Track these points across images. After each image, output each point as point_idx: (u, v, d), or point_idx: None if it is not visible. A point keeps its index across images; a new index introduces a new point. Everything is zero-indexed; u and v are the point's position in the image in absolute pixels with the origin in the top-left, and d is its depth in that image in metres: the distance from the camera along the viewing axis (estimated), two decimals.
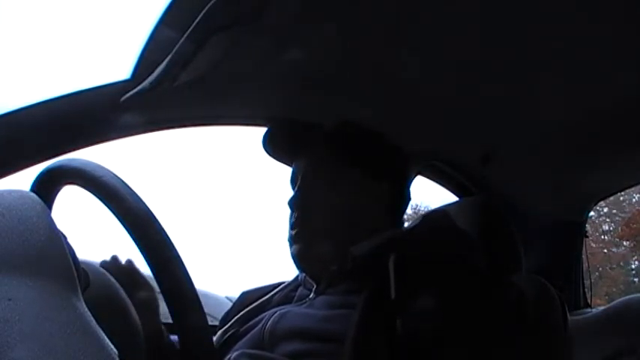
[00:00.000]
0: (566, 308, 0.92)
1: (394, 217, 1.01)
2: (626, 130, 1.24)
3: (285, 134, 1.05)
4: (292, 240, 0.96)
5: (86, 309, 0.47)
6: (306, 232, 0.94)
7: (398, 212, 1.03)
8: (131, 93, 0.90)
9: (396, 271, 0.81)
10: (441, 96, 1.09)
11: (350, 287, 0.87)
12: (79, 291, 0.49)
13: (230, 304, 1.06)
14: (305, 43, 0.91)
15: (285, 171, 1.06)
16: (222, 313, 1.04)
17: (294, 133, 1.05)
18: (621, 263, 10.69)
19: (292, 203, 0.97)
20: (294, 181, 1.01)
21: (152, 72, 0.87)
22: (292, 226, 0.96)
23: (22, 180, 0.83)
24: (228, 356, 0.83)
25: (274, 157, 1.06)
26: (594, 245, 9.98)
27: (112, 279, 0.81)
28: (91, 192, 0.62)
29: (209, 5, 0.75)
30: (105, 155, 0.92)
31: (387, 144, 1.03)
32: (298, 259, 0.95)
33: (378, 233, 0.93)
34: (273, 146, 1.05)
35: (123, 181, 0.62)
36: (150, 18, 0.84)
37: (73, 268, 0.50)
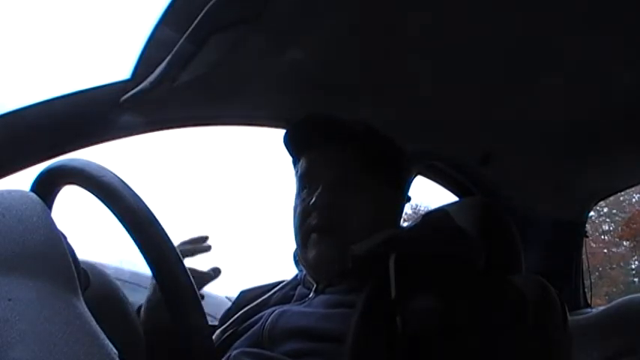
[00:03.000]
0: (566, 308, 0.92)
1: (394, 218, 1.02)
2: (626, 130, 1.24)
3: (308, 131, 1.00)
4: (314, 239, 0.92)
5: (86, 309, 0.47)
6: (331, 235, 0.92)
7: (397, 212, 1.03)
8: (131, 93, 0.90)
9: (396, 271, 0.81)
10: (441, 96, 1.09)
11: (350, 286, 0.87)
12: (79, 291, 0.49)
13: (230, 304, 1.06)
14: (305, 43, 0.91)
15: (283, 171, 1.04)
16: (222, 313, 1.04)
17: (316, 130, 0.99)
18: (621, 263, 10.68)
19: (316, 203, 0.92)
20: (306, 178, 0.97)
21: (152, 72, 0.87)
22: (315, 227, 0.92)
23: (22, 180, 0.83)
24: (227, 355, 0.83)
25: (295, 153, 1.01)
26: (594, 245, 9.97)
27: (112, 279, 0.81)
28: (91, 192, 0.62)
29: (209, 5, 0.75)
30: (105, 155, 0.93)
31: (400, 151, 1.02)
32: (317, 260, 0.92)
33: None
34: (297, 142, 1.00)
35: (123, 181, 0.62)
36: (150, 18, 0.84)
37: (73, 268, 0.50)
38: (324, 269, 0.92)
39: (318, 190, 0.93)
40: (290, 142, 1.01)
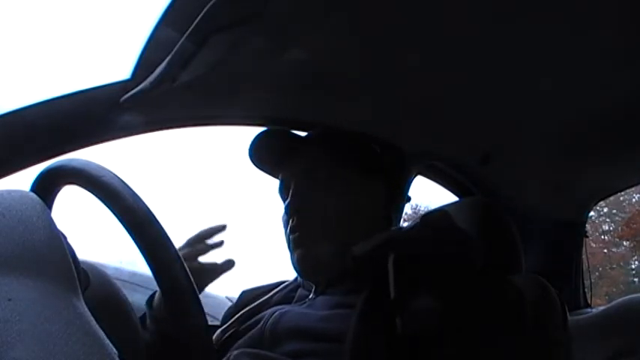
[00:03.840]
0: (566, 308, 0.92)
1: (391, 217, 1.02)
2: (625, 130, 1.24)
3: (272, 144, 1.04)
4: (293, 244, 0.95)
5: (86, 309, 0.47)
6: (307, 236, 0.94)
7: (395, 211, 1.03)
8: (131, 93, 0.90)
9: (395, 271, 0.81)
10: (441, 96, 1.09)
11: (350, 287, 0.88)
12: (79, 291, 0.49)
13: (230, 304, 1.06)
14: (305, 43, 0.90)
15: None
16: (222, 313, 1.04)
17: (280, 143, 1.04)
18: (621, 263, 10.69)
19: (289, 208, 0.96)
20: (284, 190, 1.01)
21: (152, 72, 0.87)
22: (292, 231, 0.95)
23: (22, 180, 0.83)
24: (228, 355, 0.83)
25: (261, 167, 1.05)
26: (594, 245, 9.98)
27: (112, 279, 0.81)
28: (91, 192, 0.62)
29: (209, 5, 0.75)
30: (105, 155, 0.93)
31: (376, 143, 1.04)
32: (300, 263, 0.94)
33: (377, 233, 0.93)
34: (260, 157, 1.04)
35: (123, 181, 0.62)
36: (150, 18, 0.84)
37: (73, 268, 0.50)
38: (313, 269, 0.94)
39: (289, 196, 0.97)
40: (258, 167, 1.05)
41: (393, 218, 1.02)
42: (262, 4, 0.76)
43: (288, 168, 1.01)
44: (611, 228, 11.04)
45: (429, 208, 1.39)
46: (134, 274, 1.71)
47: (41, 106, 0.87)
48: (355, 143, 1.02)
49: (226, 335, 0.95)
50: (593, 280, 1.87)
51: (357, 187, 0.97)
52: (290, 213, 0.96)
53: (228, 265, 1.04)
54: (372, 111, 1.08)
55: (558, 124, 1.22)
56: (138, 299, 0.98)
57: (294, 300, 0.96)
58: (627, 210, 10.69)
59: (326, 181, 0.96)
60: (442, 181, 1.47)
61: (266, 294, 1.00)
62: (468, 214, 1.04)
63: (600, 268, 9.97)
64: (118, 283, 0.84)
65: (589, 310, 1.63)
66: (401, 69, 1.01)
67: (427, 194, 1.76)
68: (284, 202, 1.00)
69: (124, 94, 0.90)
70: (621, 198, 10.45)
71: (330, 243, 0.92)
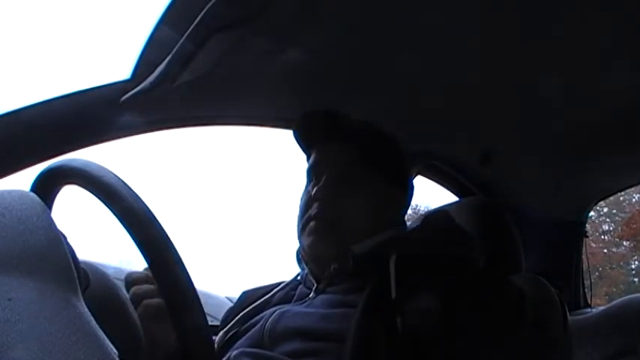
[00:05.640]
0: (566, 308, 0.92)
1: (399, 218, 1.02)
2: (626, 130, 1.24)
3: (315, 125, 1.01)
4: (309, 230, 0.93)
5: (86, 309, 0.47)
6: (323, 228, 0.92)
7: (403, 213, 1.03)
8: (131, 93, 0.90)
9: (396, 271, 0.80)
10: (441, 96, 1.09)
11: (350, 286, 0.87)
12: (79, 291, 0.49)
13: (230, 305, 1.06)
14: (305, 43, 0.91)
15: (284, 171, 1.05)
16: (223, 314, 1.04)
17: (322, 124, 1.00)
18: (621, 263, 10.68)
19: (315, 195, 0.94)
20: (313, 171, 0.98)
21: (152, 72, 0.87)
22: (312, 218, 0.94)
23: (22, 180, 0.83)
24: (227, 355, 0.83)
25: (300, 140, 1.02)
26: (594, 245, 9.97)
27: (112, 279, 0.81)
28: (91, 192, 0.62)
29: (209, 5, 0.76)
30: (105, 155, 0.93)
31: (402, 151, 1.02)
32: (311, 249, 0.93)
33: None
34: (304, 130, 1.01)
35: (123, 181, 0.62)
36: (150, 18, 0.85)
37: (73, 268, 0.50)
38: (321, 260, 0.93)
39: (321, 183, 0.95)
40: (299, 136, 1.02)
41: (395, 217, 1.02)
42: (262, 4, 0.76)
43: (324, 152, 0.99)
44: (611, 228, 11.04)
45: (429, 208, 1.39)
46: None
47: (41, 106, 0.87)
48: (390, 148, 1.00)
49: (228, 336, 0.94)
50: (593, 280, 1.87)
51: (381, 193, 0.96)
52: (313, 199, 0.94)
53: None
54: (372, 111, 1.08)
55: (558, 124, 1.22)
56: None
57: (294, 298, 0.95)
58: (627, 210, 10.68)
59: (356, 182, 0.95)
60: (442, 181, 1.48)
61: (267, 294, 1.00)
62: (469, 214, 1.04)
63: (600, 268, 9.97)
64: (118, 283, 0.84)
65: (589, 310, 1.63)
66: (401, 69, 1.01)
67: (427, 194, 1.76)
68: (309, 181, 0.98)
69: (124, 94, 0.91)
70: (621, 198, 10.44)
71: (344, 241, 0.90)
